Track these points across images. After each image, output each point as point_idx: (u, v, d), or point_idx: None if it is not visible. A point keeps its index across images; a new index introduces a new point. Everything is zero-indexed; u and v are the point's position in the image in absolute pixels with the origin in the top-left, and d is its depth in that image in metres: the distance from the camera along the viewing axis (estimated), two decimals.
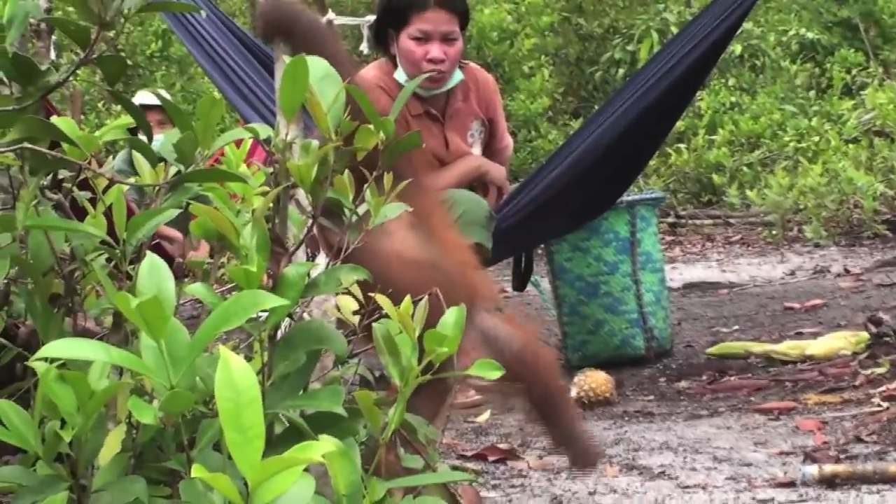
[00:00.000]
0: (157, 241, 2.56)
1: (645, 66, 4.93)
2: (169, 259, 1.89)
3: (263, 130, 1.81)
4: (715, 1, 4.79)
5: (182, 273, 1.95)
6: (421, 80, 2.12)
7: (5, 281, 1.90)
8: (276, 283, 1.65)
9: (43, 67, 1.88)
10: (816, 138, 12.11)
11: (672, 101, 4.75)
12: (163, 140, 1.83)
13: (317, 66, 1.75)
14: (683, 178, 12.33)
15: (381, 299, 1.76)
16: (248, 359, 1.74)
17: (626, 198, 5.04)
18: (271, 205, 1.72)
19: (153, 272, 1.49)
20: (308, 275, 1.68)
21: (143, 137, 1.92)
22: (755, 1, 4.81)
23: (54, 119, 1.89)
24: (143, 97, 8.13)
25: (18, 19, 1.83)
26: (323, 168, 1.73)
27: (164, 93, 8.17)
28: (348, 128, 1.75)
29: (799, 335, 5.40)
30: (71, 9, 1.89)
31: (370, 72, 4.53)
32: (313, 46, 2.11)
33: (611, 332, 5.02)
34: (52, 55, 4.47)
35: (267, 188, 1.83)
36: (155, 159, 1.86)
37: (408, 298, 1.75)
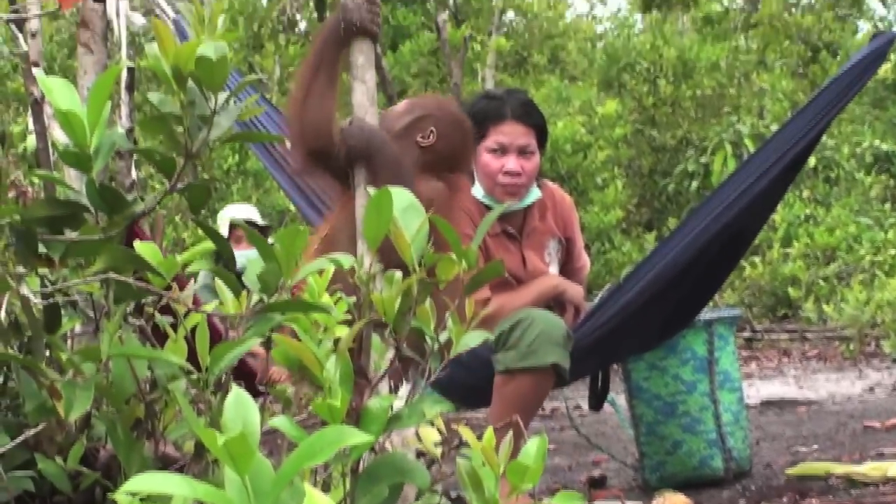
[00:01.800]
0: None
1: (723, 184, 4.88)
2: (251, 375, 1.88)
3: (346, 260, 1.81)
4: (793, 119, 4.76)
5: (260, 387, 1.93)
6: (499, 212, 2.11)
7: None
8: (359, 416, 1.63)
9: (125, 185, 1.90)
10: (893, 251, 12.00)
11: (750, 219, 4.71)
12: (246, 269, 1.83)
13: (400, 196, 1.76)
14: (759, 291, 12.23)
15: (464, 431, 1.74)
16: (327, 486, 1.72)
17: (703, 316, 4.99)
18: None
19: (239, 406, 1.48)
20: (391, 407, 1.67)
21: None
22: (833, 118, 4.78)
23: (137, 244, 1.91)
24: (232, 211, 8.10)
25: (105, 150, 1.85)
26: (406, 300, 1.73)
27: (253, 211, 8.14)
28: (432, 259, 1.75)
29: (880, 456, 5.28)
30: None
31: None
32: (394, 176, 2.12)
33: (689, 452, 4.94)
34: (133, 174, 4.56)
35: (349, 316, 1.82)
36: (238, 288, 1.87)
37: (490, 431, 1.73)
